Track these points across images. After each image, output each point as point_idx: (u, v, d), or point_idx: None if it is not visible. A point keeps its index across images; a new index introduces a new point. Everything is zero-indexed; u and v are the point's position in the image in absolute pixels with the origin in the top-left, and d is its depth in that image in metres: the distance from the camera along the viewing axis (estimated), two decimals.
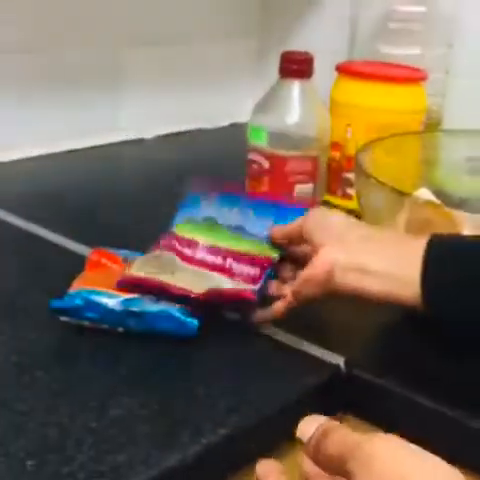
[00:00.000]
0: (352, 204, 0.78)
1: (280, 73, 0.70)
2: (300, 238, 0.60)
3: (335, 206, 0.82)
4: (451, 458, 0.37)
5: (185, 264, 0.59)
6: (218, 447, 0.46)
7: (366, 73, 0.82)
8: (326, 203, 0.79)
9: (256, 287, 0.57)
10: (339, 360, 0.54)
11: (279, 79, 0.70)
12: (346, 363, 0.54)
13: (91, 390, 0.49)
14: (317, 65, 0.70)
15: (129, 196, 0.86)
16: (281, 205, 0.62)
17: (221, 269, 0.59)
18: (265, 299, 0.59)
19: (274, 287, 0.59)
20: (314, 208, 0.62)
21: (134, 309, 0.54)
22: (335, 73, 0.84)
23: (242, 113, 0.98)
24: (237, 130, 1.09)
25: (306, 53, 0.70)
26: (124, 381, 0.50)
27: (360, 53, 0.99)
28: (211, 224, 0.63)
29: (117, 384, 0.50)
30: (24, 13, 0.91)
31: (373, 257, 0.54)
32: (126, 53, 1.03)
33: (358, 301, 0.55)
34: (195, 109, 1.12)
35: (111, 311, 0.54)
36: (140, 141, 1.05)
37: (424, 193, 0.70)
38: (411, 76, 0.84)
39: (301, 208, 0.61)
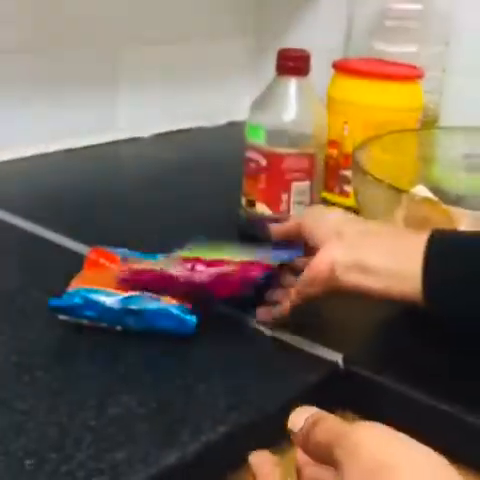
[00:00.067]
0: (349, 201, 0.78)
1: (277, 71, 0.70)
2: (299, 236, 0.60)
3: (333, 204, 0.83)
4: (448, 453, 0.37)
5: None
6: (218, 445, 0.46)
7: (363, 71, 0.82)
8: (324, 200, 0.79)
9: (259, 275, 0.58)
10: (337, 357, 0.55)
11: (276, 77, 0.70)
12: (344, 360, 0.54)
13: (90, 389, 0.49)
14: (314, 62, 0.70)
15: (127, 195, 0.86)
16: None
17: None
18: (264, 298, 0.59)
19: (279, 294, 0.59)
20: (311, 206, 0.62)
21: (132, 307, 0.54)
22: (332, 70, 0.84)
23: (239, 111, 0.98)
24: (234, 128, 1.09)
25: (303, 50, 0.70)
26: (123, 379, 0.50)
27: (356, 50, 0.99)
28: (216, 245, 0.64)
29: (116, 382, 0.50)
30: (22, 12, 0.91)
31: (372, 252, 0.54)
32: (123, 52, 1.03)
33: (355, 298, 0.56)
34: (192, 107, 1.12)
35: (110, 309, 0.54)
36: (137, 140, 1.05)
37: (421, 190, 0.70)
38: (408, 74, 0.84)
39: None
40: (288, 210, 0.70)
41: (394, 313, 0.62)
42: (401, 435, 0.35)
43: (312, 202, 0.71)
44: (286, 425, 0.40)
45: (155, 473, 0.43)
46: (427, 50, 0.96)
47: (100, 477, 0.41)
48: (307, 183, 0.70)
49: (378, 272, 0.53)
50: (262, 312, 0.58)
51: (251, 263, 0.59)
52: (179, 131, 1.10)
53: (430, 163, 0.78)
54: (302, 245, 0.60)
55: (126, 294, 0.55)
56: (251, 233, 0.72)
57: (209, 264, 0.58)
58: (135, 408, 0.47)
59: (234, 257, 0.60)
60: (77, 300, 0.54)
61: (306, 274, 0.55)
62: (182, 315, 0.54)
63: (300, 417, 0.38)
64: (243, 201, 0.72)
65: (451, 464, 0.35)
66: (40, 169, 0.92)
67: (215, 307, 0.58)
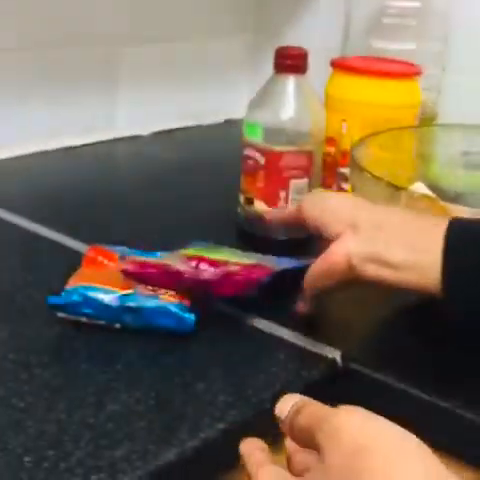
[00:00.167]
0: None
1: (275, 69, 0.70)
2: (297, 224, 0.59)
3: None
4: (447, 449, 0.37)
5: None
6: (216, 442, 0.46)
7: (361, 68, 0.82)
8: None
9: (262, 277, 0.58)
10: (336, 354, 0.55)
11: (274, 75, 0.70)
12: (343, 357, 0.54)
13: (88, 386, 0.49)
14: (312, 60, 0.70)
15: (126, 193, 0.86)
16: None
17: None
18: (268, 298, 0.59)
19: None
20: (309, 193, 0.62)
21: (131, 305, 0.54)
22: (330, 68, 0.84)
23: (237, 109, 0.98)
24: (232, 126, 1.09)
25: (301, 48, 0.70)
26: (121, 377, 0.50)
27: (354, 48, 0.99)
28: (216, 246, 0.65)
29: (114, 380, 0.50)
30: (21, 11, 0.91)
31: (390, 245, 0.53)
32: (122, 50, 1.03)
33: (353, 295, 0.56)
34: (190, 106, 1.12)
35: (108, 307, 0.54)
36: (136, 138, 1.05)
37: (419, 187, 0.70)
38: (406, 71, 0.84)
39: None
40: (286, 208, 0.70)
41: (392, 311, 0.62)
42: (381, 419, 0.36)
43: None
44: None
45: (154, 470, 0.43)
46: (425, 48, 0.96)
47: (99, 474, 0.41)
48: (305, 180, 0.70)
49: (396, 264, 0.52)
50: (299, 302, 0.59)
51: (254, 265, 0.59)
52: (178, 129, 1.10)
53: (428, 160, 0.78)
54: (304, 256, 0.60)
55: (124, 291, 0.55)
56: (250, 231, 0.72)
57: (213, 263, 0.59)
58: (134, 405, 0.47)
59: (236, 259, 0.61)
60: (75, 298, 0.54)
61: (321, 266, 0.55)
62: (181, 313, 0.54)
63: (287, 404, 0.39)
64: (241, 199, 0.72)
65: (451, 461, 0.35)
66: (39, 167, 0.92)
67: (214, 305, 0.58)
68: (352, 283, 0.55)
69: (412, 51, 0.94)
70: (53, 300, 0.55)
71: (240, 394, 0.49)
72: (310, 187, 0.70)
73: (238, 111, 0.86)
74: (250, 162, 0.70)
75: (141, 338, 0.54)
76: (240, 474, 0.48)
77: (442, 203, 0.60)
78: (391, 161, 0.72)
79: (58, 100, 0.97)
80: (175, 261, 0.59)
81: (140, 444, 0.44)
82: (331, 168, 0.82)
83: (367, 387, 0.53)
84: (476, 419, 0.49)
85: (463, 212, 0.57)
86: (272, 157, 0.69)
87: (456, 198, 0.71)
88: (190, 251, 0.63)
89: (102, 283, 0.55)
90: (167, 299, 0.55)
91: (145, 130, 1.07)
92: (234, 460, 0.48)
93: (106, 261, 0.60)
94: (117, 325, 0.55)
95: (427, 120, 0.92)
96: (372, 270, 0.53)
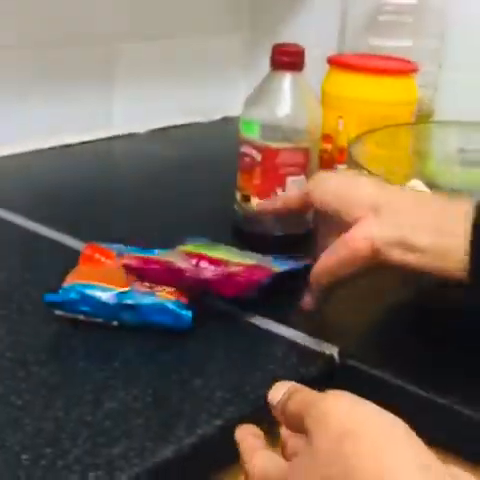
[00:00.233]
0: None
1: (271, 66, 0.70)
2: (304, 207, 0.57)
3: None
4: (445, 445, 0.37)
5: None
6: (214, 439, 0.46)
7: (357, 65, 0.82)
8: None
9: (264, 278, 0.58)
10: (333, 351, 0.55)
11: (270, 72, 0.70)
12: (340, 354, 0.54)
13: (86, 384, 0.49)
14: (308, 57, 0.70)
15: (123, 191, 0.86)
16: None
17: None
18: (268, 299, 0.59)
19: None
20: (319, 174, 0.59)
21: (128, 302, 0.54)
22: (326, 66, 0.84)
23: (234, 106, 0.98)
24: (229, 123, 1.09)
25: (297, 46, 0.70)
26: (118, 374, 0.50)
27: (351, 45, 0.99)
28: (214, 244, 0.65)
29: (112, 377, 0.50)
30: (19, 9, 0.91)
31: (415, 230, 0.51)
32: (119, 48, 1.03)
33: (350, 292, 0.56)
34: (187, 103, 1.12)
35: (105, 304, 0.54)
36: (133, 135, 1.05)
37: (416, 184, 0.70)
38: (402, 68, 0.84)
39: None
40: None
41: (390, 307, 0.62)
42: (368, 403, 0.36)
43: None
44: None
45: (151, 467, 0.43)
46: (422, 45, 0.96)
47: (96, 472, 0.41)
48: (302, 177, 0.70)
49: (423, 248, 0.50)
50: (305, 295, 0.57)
51: (255, 266, 0.59)
52: (174, 127, 1.10)
53: (425, 157, 0.78)
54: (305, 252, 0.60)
55: (121, 289, 0.55)
56: (247, 228, 0.72)
57: (213, 262, 0.59)
58: (131, 403, 0.47)
59: (235, 259, 0.61)
60: (73, 295, 0.54)
61: (340, 254, 0.52)
62: (178, 310, 0.54)
63: (279, 391, 0.40)
64: (238, 196, 0.72)
65: (448, 457, 0.35)
66: (36, 165, 0.92)
67: (212, 303, 0.58)
68: (371, 270, 0.53)
69: (408, 48, 0.94)
70: (50, 298, 0.55)
71: (237, 391, 0.49)
72: None
73: (235, 108, 0.85)
74: (247, 159, 0.70)
75: (138, 335, 0.54)
76: (237, 471, 0.48)
77: None
78: (388, 158, 0.72)
79: (56, 98, 0.97)
80: (176, 258, 0.59)
81: (137, 441, 0.44)
82: (328, 165, 0.82)
83: (365, 383, 0.53)
84: (474, 415, 0.49)
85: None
86: (269, 154, 0.69)
87: (452, 195, 0.71)
88: (188, 247, 0.63)
89: (99, 281, 0.55)
90: (164, 296, 0.55)
91: (143, 128, 1.07)
92: (231, 457, 0.48)
93: (103, 259, 0.60)
94: (114, 322, 0.55)
95: (423, 117, 0.92)
96: (397, 255, 0.51)
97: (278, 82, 0.69)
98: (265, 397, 0.49)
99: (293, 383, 0.41)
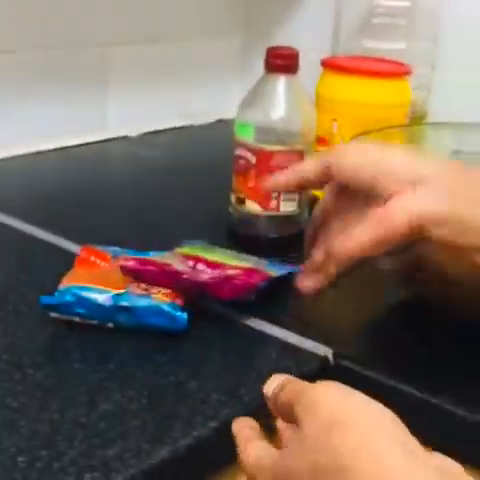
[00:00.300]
0: None
1: (266, 68, 0.70)
2: (318, 183, 0.53)
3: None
4: (438, 445, 0.37)
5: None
6: (209, 440, 0.46)
7: (351, 68, 0.82)
8: (314, 197, 0.79)
9: (261, 282, 0.58)
10: (327, 352, 0.55)
11: (265, 74, 0.70)
12: (334, 355, 0.55)
13: (81, 386, 0.49)
14: (302, 60, 0.70)
15: (117, 193, 0.86)
16: None
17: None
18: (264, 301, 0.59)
19: (318, 255, 0.52)
20: (343, 145, 0.55)
21: (124, 304, 0.54)
22: (320, 68, 0.84)
23: (228, 109, 0.98)
24: (224, 126, 1.09)
25: (291, 48, 0.71)
26: (114, 376, 0.50)
27: (345, 48, 1.00)
28: (210, 246, 0.65)
29: (107, 379, 0.50)
30: (7, 12, 0.91)
31: (467, 204, 0.46)
32: (112, 51, 1.03)
33: (345, 292, 0.56)
34: (182, 106, 1.12)
35: (101, 306, 0.54)
36: (127, 139, 1.05)
37: None
38: (396, 71, 0.84)
39: None
40: (278, 207, 0.70)
41: (384, 308, 0.62)
42: (358, 393, 0.37)
43: (301, 199, 0.71)
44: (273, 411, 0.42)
45: (147, 468, 0.43)
46: (415, 47, 0.97)
47: (92, 473, 0.41)
48: None
49: (473, 226, 0.45)
50: (304, 279, 0.53)
51: (252, 270, 0.60)
52: (169, 129, 1.10)
53: None
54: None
55: (117, 291, 0.55)
56: (242, 231, 0.72)
57: (210, 265, 0.59)
58: (126, 404, 0.47)
59: (231, 261, 0.61)
60: (68, 298, 0.54)
61: (378, 230, 0.47)
62: (173, 312, 0.54)
63: (273, 383, 0.41)
64: (233, 198, 0.73)
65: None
66: (31, 168, 0.92)
67: (207, 305, 0.59)
68: (408, 247, 0.49)
69: (402, 50, 0.94)
70: (46, 300, 0.55)
71: (233, 392, 0.50)
72: None
73: (230, 111, 0.86)
74: (241, 162, 0.70)
75: (134, 337, 0.54)
76: (233, 472, 0.48)
77: None
78: None
79: (48, 101, 0.97)
80: (173, 260, 0.59)
81: (133, 443, 0.44)
82: None
83: (359, 384, 0.53)
84: (467, 416, 0.50)
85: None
86: (263, 156, 0.69)
87: None
88: (185, 250, 0.63)
89: (95, 283, 0.55)
90: (160, 298, 0.55)
91: (137, 130, 1.07)
92: (227, 458, 0.48)
93: (99, 261, 0.60)
94: (110, 324, 0.55)
95: (417, 119, 0.93)
96: (445, 233, 0.46)
97: (272, 85, 0.70)
98: (260, 399, 0.50)
99: (287, 376, 0.42)
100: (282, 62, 0.69)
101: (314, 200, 0.68)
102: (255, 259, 0.64)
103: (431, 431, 0.46)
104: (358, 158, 0.51)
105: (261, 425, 0.42)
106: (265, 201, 0.70)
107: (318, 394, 0.37)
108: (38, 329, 0.55)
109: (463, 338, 0.57)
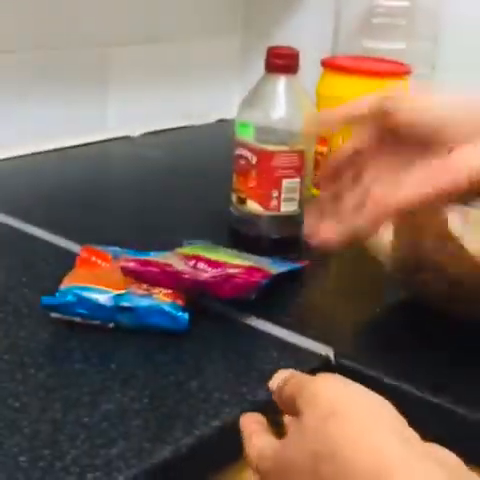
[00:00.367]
0: None
1: (266, 69, 0.70)
2: (371, 121, 0.50)
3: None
4: (439, 445, 0.37)
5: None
6: (211, 439, 0.46)
7: (351, 68, 0.82)
8: (314, 197, 0.79)
9: (262, 280, 0.58)
10: (328, 351, 0.55)
11: (265, 74, 0.70)
12: (335, 354, 0.55)
13: (83, 386, 0.49)
14: (302, 60, 0.70)
15: (118, 193, 0.87)
16: None
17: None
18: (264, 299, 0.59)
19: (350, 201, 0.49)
20: (393, 92, 0.51)
21: (125, 304, 0.54)
22: (320, 68, 0.85)
23: (229, 109, 0.98)
24: (224, 126, 1.09)
25: (291, 48, 0.71)
26: (115, 376, 0.50)
27: (345, 48, 1.00)
28: (212, 246, 0.65)
29: (108, 379, 0.50)
30: (7, 12, 0.91)
31: None
32: (112, 51, 1.03)
33: (346, 291, 0.56)
34: (183, 106, 1.12)
35: (102, 307, 0.54)
36: (128, 139, 1.05)
37: None
38: (396, 70, 0.84)
39: None
40: (279, 207, 0.70)
41: (385, 307, 0.62)
42: (356, 385, 0.37)
43: (302, 199, 0.71)
44: (279, 419, 0.43)
45: (149, 468, 0.43)
46: (415, 47, 0.97)
47: (94, 473, 0.42)
48: (297, 180, 0.70)
49: None
50: (324, 229, 0.49)
51: (253, 268, 0.60)
52: (169, 129, 1.10)
53: None
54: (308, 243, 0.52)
55: (118, 291, 0.55)
56: (243, 231, 0.72)
57: (211, 264, 0.59)
58: (128, 404, 0.48)
59: (233, 260, 0.61)
60: (70, 298, 0.54)
61: (442, 180, 0.44)
62: (174, 312, 0.55)
63: (279, 378, 0.42)
64: (234, 198, 0.73)
65: None
66: (30, 168, 0.92)
67: (209, 304, 0.59)
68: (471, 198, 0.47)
69: (402, 50, 0.94)
70: (47, 300, 0.55)
71: (234, 392, 0.50)
72: (302, 186, 0.71)
73: (230, 111, 0.86)
74: (242, 162, 0.70)
75: (135, 337, 0.54)
76: (235, 471, 0.48)
77: None
78: None
79: (49, 102, 0.97)
80: (173, 260, 0.59)
81: (135, 442, 0.44)
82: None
83: (360, 384, 0.54)
84: (468, 415, 0.50)
85: (452, 209, 0.58)
86: (264, 157, 0.69)
87: None
88: (186, 250, 0.63)
89: (96, 283, 0.55)
90: (161, 298, 0.55)
91: (137, 130, 1.07)
92: (229, 457, 0.48)
93: (99, 261, 0.60)
94: (111, 325, 0.55)
95: None
96: None
97: (273, 85, 0.70)
98: (261, 398, 0.50)
99: (292, 370, 0.42)
100: (282, 62, 0.70)
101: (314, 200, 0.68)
102: (257, 258, 0.64)
103: (431, 430, 0.46)
104: (425, 102, 0.48)
105: (268, 420, 0.42)
106: (266, 201, 0.70)
107: (318, 387, 0.38)
108: (39, 329, 0.55)
109: (463, 338, 0.57)
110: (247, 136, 0.70)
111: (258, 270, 0.60)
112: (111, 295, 0.55)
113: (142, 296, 0.55)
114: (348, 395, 0.37)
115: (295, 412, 0.38)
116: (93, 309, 0.54)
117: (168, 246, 0.64)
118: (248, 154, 0.70)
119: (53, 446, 0.43)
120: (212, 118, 1.16)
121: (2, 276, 0.64)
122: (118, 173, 0.97)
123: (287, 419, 0.42)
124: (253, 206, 0.70)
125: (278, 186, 0.70)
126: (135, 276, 0.57)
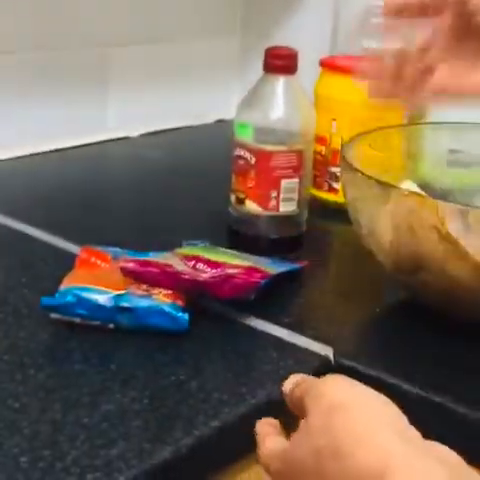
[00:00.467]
0: (338, 198, 0.78)
1: (264, 69, 0.70)
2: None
3: (322, 201, 0.83)
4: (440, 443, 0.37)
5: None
6: (211, 440, 0.46)
7: (350, 68, 0.82)
8: (313, 197, 0.80)
9: (262, 280, 0.58)
10: (328, 351, 0.55)
11: (264, 75, 0.70)
12: (335, 354, 0.55)
13: (83, 386, 0.49)
14: (301, 60, 0.70)
15: (117, 194, 0.87)
16: None
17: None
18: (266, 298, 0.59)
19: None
20: None
21: (125, 305, 0.54)
22: (319, 68, 0.85)
23: (228, 109, 0.98)
24: (223, 126, 1.09)
25: (290, 49, 0.71)
26: (115, 377, 0.51)
27: (343, 48, 1.00)
28: (211, 246, 0.65)
29: (108, 380, 0.50)
30: (7, 12, 0.91)
31: None
32: (112, 52, 1.03)
33: (345, 292, 0.56)
34: (181, 106, 1.12)
35: (102, 307, 0.54)
36: (127, 139, 1.05)
37: (409, 185, 0.71)
38: None
39: None
40: (278, 207, 0.70)
41: (384, 307, 0.62)
42: (363, 386, 0.38)
43: (301, 199, 0.71)
44: (280, 419, 0.43)
45: (149, 468, 0.43)
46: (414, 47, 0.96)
47: (95, 473, 0.42)
48: (296, 180, 0.70)
49: None
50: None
51: (253, 268, 0.60)
52: (169, 130, 1.10)
53: (417, 159, 0.78)
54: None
55: (118, 292, 0.55)
56: (242, 231, 0.72)
57: (210, 264, 0.59)
58: (128, 405, 0.48)
59: (232, 261, 0.61)
60: (69, 298, 0.54)
61: None
62: (174, 312, 0.55)
63: (291, 382, 0.43)
64: (233, 199, 0.73)
65: None
66: (30, 169, 0.92)
67: (208, 305, 0.59)
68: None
69: None
70: (47, 301, 0.55)
71: (234, 392, 0.50)
72: (301, 186, 0.71)
73: (229, 111, 0.86)
74: (241, 162, 0.70)
75: (135, 338, 0.54)
76: (235, 472, 0.48)
77: (431, 200, 0.61)
78: (381, 159, 0.72)
79: (48, 102, 0.97)
80: (173, 260, 0.59)
81: (135, 443, 0.44)
82: (322, 167, 0.82)
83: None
84: (468, 413, 0.50)
85: (452, 209, 0.58)
86: (263, 157, 0.69)
87: (444, 195, 0.72)
88: (186, 250, 0.63)
89: (95, 284, 0.56)
90: (160, 299, 0.55)
91: (137, 131, 1.07)
92: (228, 457, 0.48)
93: (99, 262, 0.60)
94: (111, 325, 0.55)
95: (415, 119, 0.93)
96: None
97: (271, 85, 0.70)
98: (261, 398, 0.50)
99: (304, 375, 0.43)
100: (281, 62, 0.70)
101: (314, 200, 0.68)
102: (256, 258, 0.64)
103: (432, 429, 0.47)
104: None
105: (281, 423, 0.43)
106: (265, 201, 0.70)
107: (325, 386, 0.38)
108: (39, 330, 0.55)
109: (463, 338, 0.57)
110: (246, 136, 0.70)
111: (257, 270, 0.60)
112: (111, 296, 0.55)
113: (142, 297, 0.55)
114: (353, 394, 0.37)
115: (304, 412, 0.39)
116: (93, 310, 0.54)
117: (168, 246, 0.64)
118: (247, 154, 0.70)
119: (53, 447, 0.43)
120: (211, 118, 1.16)
121: (2, 277, 0.64)
122: (118, 173, 0.97)
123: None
124: (252, 206, 0.71)
125: (277, 186, 0.70)
126: (135, 276, 0.57)
